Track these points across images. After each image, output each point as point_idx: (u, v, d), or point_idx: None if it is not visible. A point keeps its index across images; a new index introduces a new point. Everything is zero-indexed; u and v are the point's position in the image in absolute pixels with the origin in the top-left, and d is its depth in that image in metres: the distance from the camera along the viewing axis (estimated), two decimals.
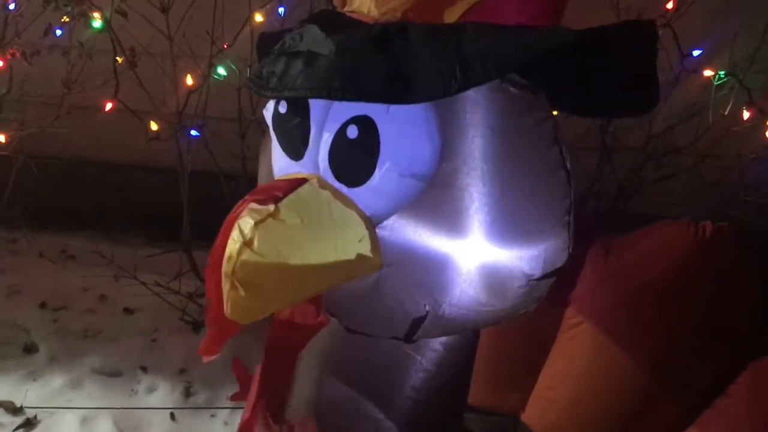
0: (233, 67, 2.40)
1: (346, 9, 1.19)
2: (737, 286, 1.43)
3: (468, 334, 1.30)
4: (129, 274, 2.59)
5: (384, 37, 1.04)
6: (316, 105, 1.11)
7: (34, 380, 2.33)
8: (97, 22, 2.29)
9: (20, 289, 2.79)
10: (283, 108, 1.16)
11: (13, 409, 2.19)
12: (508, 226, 1.07)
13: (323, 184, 1.09)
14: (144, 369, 2.41)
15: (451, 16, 1.09)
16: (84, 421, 2.18)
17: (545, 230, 1.11)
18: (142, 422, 2.19)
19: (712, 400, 1.42)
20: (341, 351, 1.33)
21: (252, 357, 2.22)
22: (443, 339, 1.26)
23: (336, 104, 1.08)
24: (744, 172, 2.40)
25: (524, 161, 1.09)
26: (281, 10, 2.37)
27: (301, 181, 1.10)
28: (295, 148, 1.15)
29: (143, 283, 2.59)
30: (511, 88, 1.07)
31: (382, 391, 1.30)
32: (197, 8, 2.36)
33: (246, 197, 1.09)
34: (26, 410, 2.20)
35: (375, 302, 1.13)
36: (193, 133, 2.45)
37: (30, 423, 2.16)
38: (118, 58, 2.38)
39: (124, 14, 2.29)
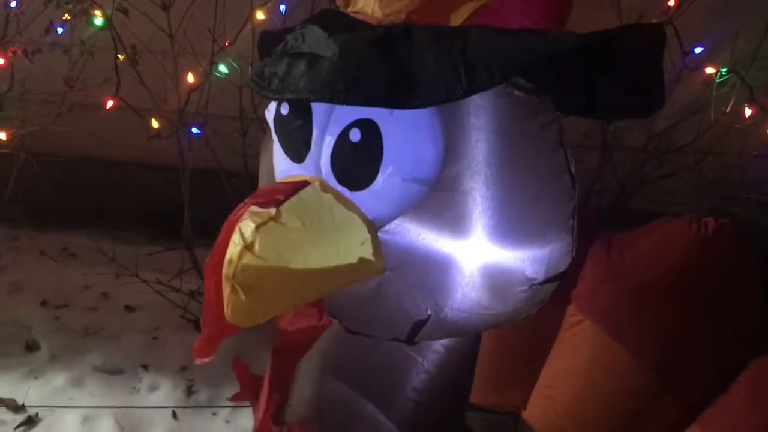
0: (234, 65, 2.39)
1: (349, 9, 1.19)
2: (739, 283, 1.43)
3: (469, 336, 1.30)
4: (130, 272, 2.59)
5: (388, 39, 1.03)
6: (318, 107, 1.10)
7: (36, 378, 2.33)
8: (98, 20, 2.29)
9: (21, 287, 2.80)
10: (285, 110, 1.15)
11: (15, 407, 2.20)
12: (512, 230, 1.07)
13: (325, 188, 1.09)
14: (145, 367, 2.41)
15: (457, 19, 1.08)
16: (85, 419, 2.18)
17: (549, 234, 1.11)
18: (144, 420, 2.20)
19: (714, 398, 1.42)
20: (342, 352, 1.33)
21: (253, 356, 2.22)
22: (445, 341, 1.25)
23: (339, 107, 1.08)
24: (746, 170, 2.40)
25: (529, 165, 1.08)
26: (282, 7, 2.37)
27: (302, 184, 1.09)
28: (297, 151, 1.14)
29: (144, 281, 2.59)
30: (516, 92, 1.07)
31: (383, 393, 1.30)
32: (198, 6, 2.35)
33: (247, 200, 1.08)
34: (28, 408, 2.20)
35: (377, 305, 1.13)
36: (195, 130, 2.44)
37: (31, 421, 2.17)
38: (119, 56, 2.38)
39: (125, 12, 2.29)
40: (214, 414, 2.25)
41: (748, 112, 2.23)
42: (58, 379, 2.34)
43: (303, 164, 1.14)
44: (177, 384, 2.34)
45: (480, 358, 1.42)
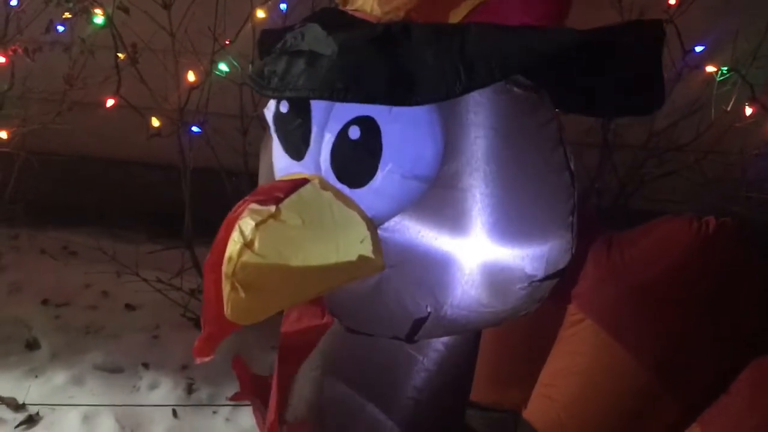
0: (235, 63, 2.39)
1: (348, 7, 1.19)
2: (740, 282, 1.43)
3: (469, 334, 1.29)
4: (131, 271, 2.59)
5: (387, 37, 1.03)
6: (317, 105, 1.10)
7: (36, 377, 2.34)
8: (98, 19, 2.28)
9: (22, 286, 2.80)
10: (284, 108, 1.15)
11: (16, 406, 2.20)
12: (511, 227, 1.07)
13: (325, 185, 1.08)
14: (146, 365, 2.42)
15: (456, 16, 1.08)
16: (86, 417, 2.19)
17: (548, 232, 1.10)
18: (144, 418, 2.20)
19: (714, 398, 1.42)
20: (342, 351, 1.33)
21: (253, 354, 2.24)
22: (445, 339, 1.25)
23: (338, 104, 1.07)
24: (746, 169, 2.40)
25: (528, 163, 1.08)
26: (283, 6, 2.37)
27: (302, 182, 1.09)
28: (297, 149, 1.14)
29: (145, 280, 2.59)
30: (515, 89, 1.06)
31: (384, 392, 1.30)
32: (199, 4, 2.36)
33: (246, 197, 1.08)
34: (29, 407, 2.21)
35: (376, 303, 1.13)
36: (195, 129, 2.45)
37: (32, 419, 2.17)
38: (119, 55, 2.38)
39: (125, 10, 2.28)
40: (214, 412, 2.25)
41: (748, 110, 2.23)
42: (59, 377, 2.34)
43: (302, 162, 1.14)
44: (177, 382, 2.34)
45: (480, 357, 1.42)
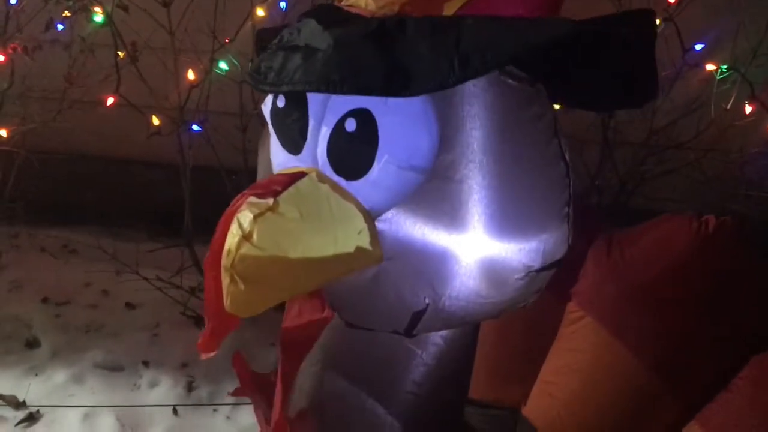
0: (235, 61, 2.40)
1: (343, 3, 1.19)
2: (740, 281, 1.43)
3: (468, 328, 1.30)
4: (131, 269, 2.60)
5: (382, 31, 1.04)
6: (314, 99, 1.11)
7: (36, 375, 2.34)
8: (98, 17, 2.29)
9: (22, 284, 2.80)
10: (281, 102, 1.15)
11: (16, 404, 2.20)
12: (507, 218, 1.07)
13: (322, 178, 1.09)
14: (146, 364, 2.42)
15: (450, 8, 1.09)
16: (86, 415, 2.19)
17: (545, 222, 1.11)
18: (144, 416, 2.20)
19: (714, 396, 1.42)
20: (342, 346, 1.33)
21: (253, 352, 2.24)
22: (443, 333, 1.25)
23: (334, 98, 1.08)
24: (746, 167, 2.40)
25: (523, 154, 1.09)
26: (283, 4, 2.37)
27: (299, 175, 1.09)
28: (294, 143, 1.15)
29: (145, 278, 2.59)
30: (510, 81, 1.07)
31: (383, 387, 1.30)
32: (198, 3, 2.36)
33: (245, 191, 1.09)
34: (29, 405, 2.20)
35: (375, 296, 1.13)
36: (195, 127, 2.45)
37: (33, 417, 2.18)
38: (119, 53, 2.38)
39: (125, 8, 2.28)
40: (214, 410, 2.25)
41: (748, 109, 2.22)
42: (59, 375, 2.35)
43: (300, 156, 1.14)
44: (177, 380, 2.34)
45: (480, 354, 1.42)
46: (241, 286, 1.01)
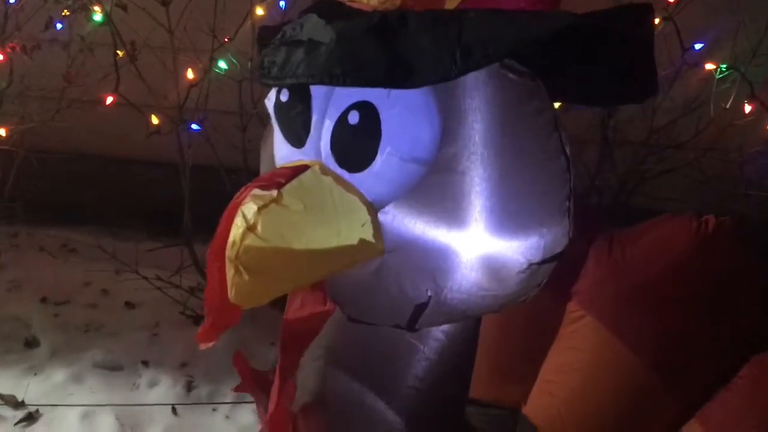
0: (234, 60, 2.40)
1: None
2: (739, 281, 1.43)
3: (469, 323, 1.30)
4: (130, 269, 2.60)
5: (384, 25, 1.04)
6: (317, 92, 1.11)
7: (35, 374, 2.34)
8: (97, 16, 2.30)
9: (21, 284, 2.81)
10: (284, 96, 1.16)
11: (15, 403, 2.20)
12: (509, 211, 1.07)
13: (325, 170, 1.09)
14: (145, 363, 2.42)
15: (452, 2, 1.09)
16: (85, 414, 2.19)
17: (545, 216, 1.11)
18: (144, 416, 2.20)
19: (714, 395, 1.42)
20: (344, 341, 1.33)
21: (253, 350, 2.24)
22: (445, 328, 1.25)
23: (337, 91, 1.08)
24: (746, 166, 2.40)
25: (524, 148, 1.09)
26: (282, 3, 2.37)
27: (303, 168, 1.09)
28: (297, 136, 1.15)
29: (145, 278, 2.60)
30: (511, 75, 1.07)
31: (385, 382, 1.30)
32: (198, 2, 2.36)
33: (249, 184, 1.09)
34: (28, 404, 2.20)
35: (377, 289, 1.13)
36: (194, 126, 2.45)
37: (32, 417, 2.18)
38: (118, 52, 2.38)
39: (124, 7, 2.29)
40: (214, 410, 2.25)
41: (748, 108, 2.23)
42: (58, 375, 2.35)
43: (303, 149, 1.15)
44: (177, 380, 2.34)
45: (481, 353, 1.42)
46: (246, 277, 1.02)
